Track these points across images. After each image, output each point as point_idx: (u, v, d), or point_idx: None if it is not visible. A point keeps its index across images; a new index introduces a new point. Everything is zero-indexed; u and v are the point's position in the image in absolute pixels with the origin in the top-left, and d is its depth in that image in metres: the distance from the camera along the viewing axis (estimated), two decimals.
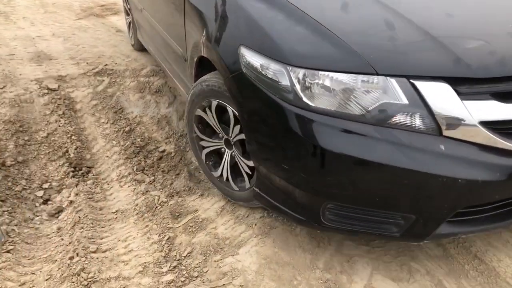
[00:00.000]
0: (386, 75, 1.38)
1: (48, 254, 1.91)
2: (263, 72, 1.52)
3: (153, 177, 2.50)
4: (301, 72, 1.44)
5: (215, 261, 1.64)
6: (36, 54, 3.96)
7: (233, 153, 1.94)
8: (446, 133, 1.38)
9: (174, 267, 1.65)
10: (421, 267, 1.62)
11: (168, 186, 2.38)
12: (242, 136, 1.77)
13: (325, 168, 1.45)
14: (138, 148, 2.80)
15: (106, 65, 3.70)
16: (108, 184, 2.53)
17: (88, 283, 1.61)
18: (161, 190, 2.34)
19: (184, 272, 1.61)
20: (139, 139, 2.88)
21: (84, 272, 1.64)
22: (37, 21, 5.09)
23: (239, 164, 1.91)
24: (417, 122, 1.38)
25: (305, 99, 1.44)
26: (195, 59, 2.07)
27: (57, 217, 2.27)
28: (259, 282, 1.52)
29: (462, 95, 1.37)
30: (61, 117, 3.04)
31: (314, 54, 1.48)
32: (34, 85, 3.31)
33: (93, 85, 3.42)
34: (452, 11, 1.67)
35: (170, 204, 2.15)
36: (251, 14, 1.66)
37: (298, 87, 1.46)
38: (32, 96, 3.18)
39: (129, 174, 2.57)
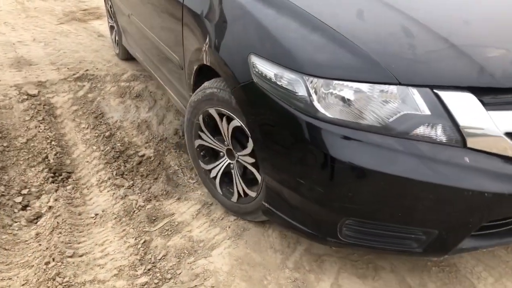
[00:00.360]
0: (408, 85, 1.34)
1: (25, 259, 1.93)
2: (278, 82, 1.46)
3: (132, 182, 2.53)
4: (319, 82, 1.39)
5: (188, 263, 1.69)
6: (16, 59, 3.96)
7: (237, 159, 1.88)
8: (470, 144, 1.34)
9: (149, 269, 1.69)
10: (387, 265, 1.69)
11: (146, 191, 2.41)
12: (234, 124, 1.75)
13: (344, 182, 1.40)
14: (118, 153, 2.83)
15: (87, 70, 3.72)
16: (88, 189, 2.56)
17: None
18: (139, 194, 2.38)
19: (158, 275, 1.65)
20: (119, 144, 2.91)
21: (60, 277, 1.68)
22: (18, 26, 5.07)
23: (245, 164, 1.84)
24: (441, 133, 1.34)
25: (322, 110, 1.39)
26: (195, 68, 2.00)
27: (36, 223, 2.29)
28: (230, 282, 1.57)
29: (487, 106, 1.33)
30: (41, 123, 3.05)
31: (333, 63, 1.42)
32: (14, 91, 3.32)
33: (73, 91, 3.43)
34: (469, 18, 1.63)
35: (148, 208, 2.19)
36: (262, 21, 1.58)
37: (315, 97, 1.40)
38: (11, 102, 3.19)
39: (109, 179, 2.60)
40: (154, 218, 2.08)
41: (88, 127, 3.10)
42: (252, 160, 1.75)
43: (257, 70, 1.51)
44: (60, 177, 2.63)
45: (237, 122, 1.72)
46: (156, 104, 3.28)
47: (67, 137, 2.99)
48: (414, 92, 1.32)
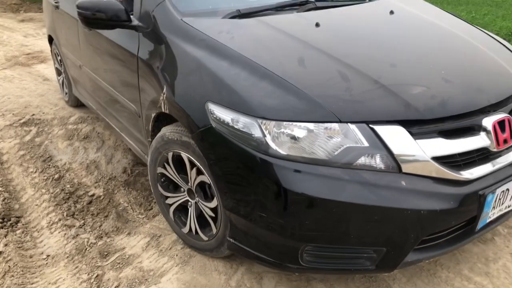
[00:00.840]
0: (348, 122, 1.52)
1: None
2: (234, 126, 1.60)
3: (83, 221, 2.63)
4: (271, 124, 1.54)
5: None
6: None
7: (196, 201, 1.99)
8: (405, 170, 1.52)
9: None
10: (317, 276, 1.91)
11: (97, 228, 2.52)
12: (201, 178, 1.86)
13: (300, 212, 1.52)
14: (68, 194, 2.91)
15: (33, 115, 3.79)
16: (38, 232, 2.62)
17: None
18: (90, 232, 2.48)
19: None
20: (68, 186, 2.99)
21: None
22: None
23: (203, 211, 1.96)
24: (379, 162, 1.52)
25: (276, 148, 1.53)
26: (153, 115, 2.12)
27: None
28: None
29: (415, 135, 1.53)
30: None
31: (282, 106, 1.57)
32: None
33: (20, 136, 3.49)
34: (395, 62, 1.83)
35: (99, 245, 2.30)
36: (215, 72, 1.74)
37: (268, 137, 1.55)
38: None
39: (59, 220, 2.67)
40: (106, 253, 2.20)
41: (36, 171, 3.16)
42: (211, 213, 1.88)
43: (215, 116, 1.65)
44: (9, 222, 2.67)
45: (201, 169, 1.83)
46: (104, 145, 3.40)
47: (15, 182, 3.04)
48: (353, 128, 1.51)
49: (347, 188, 1.48)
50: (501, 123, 1.66)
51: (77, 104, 3.88)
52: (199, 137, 1.73)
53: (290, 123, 1.53)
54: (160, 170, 2.13)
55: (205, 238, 1.95)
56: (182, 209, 2.12)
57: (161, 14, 2.11)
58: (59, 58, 3.92)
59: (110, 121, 3.01)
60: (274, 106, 1.57)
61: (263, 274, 1.90)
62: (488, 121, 1.64)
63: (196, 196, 1.97)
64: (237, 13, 2.08)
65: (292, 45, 1.87)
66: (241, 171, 1.62)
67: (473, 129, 1.64)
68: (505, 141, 1.66)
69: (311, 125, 1.52)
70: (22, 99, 4.19)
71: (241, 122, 1.58)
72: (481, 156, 1.64)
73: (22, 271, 2.21)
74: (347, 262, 1.62)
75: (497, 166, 1.66)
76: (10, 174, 3.11)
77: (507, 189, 1.67)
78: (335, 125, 1.51)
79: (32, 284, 2.07)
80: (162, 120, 2.09)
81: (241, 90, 1.64)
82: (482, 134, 1.63)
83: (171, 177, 2.09)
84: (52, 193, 2.92)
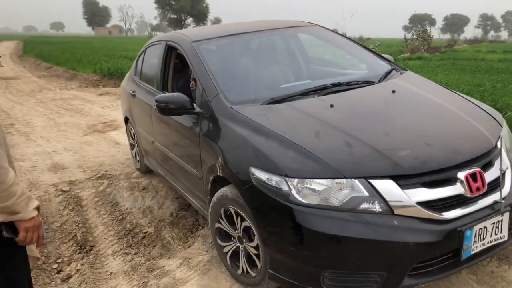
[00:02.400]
0: (352, 178, 1.96)
1: None
2: (269, 183, 2.08)
3: (137, 250, 3.49)
4: (295, 181, 2.01)
5: None
6: (52, 165, 5.15)
7: (244, 246, 2.42)
8: (396, 212, 1.93)
9: None
10: None
11: (147, 254, 3.37)
12: (245, 224, 2.32)
13: (319, 245, 1.95)
14: (128, 231, 3.81)
15: (106, 171, 4.86)
16: (105, 258, 3.50)
17: None
18: (142, 257, 3.33)
19: None
20: (128, 225, 3.91)
21: None
22: (52, 138, 6.38)
23: (249, 251, 2.37)
24: (376, 207, 1.93)
25: (300, 198, 1.99)
26: (211, 178, 2.62)
27: (67, 281, 3.22)
28: None
29: (402, 186, 1.95)
30: (71, 211, 4.10)
31: (302, 168, 2.05)
32: (52, 188, 4.43)
33: (95, 187, 4.54)
34: (388, 132, 2.28)
35: (147, 264, 3.13)
36: (255, 145, 2.26)
37: (294, 191, 2.00)
38: (50, 197, 4.28)
39: (120, 249, 3.55)
40: (151, 269, 3.03)
41: (106, 213, 4.13)
42: (254, 251, 2.32)
43: (255, 176, 2.15)
44: (85, 249, 3.60)
45: (244, 217, 2.30)
46: (158, 194, 4.33)
47: (90, 220, 4.01)
48: (356, 182, 1.95)
49: (352, 226, 1.92)
50: (474, 176, 2.03)
51: (147, 171, 4.57)
52: (245, 192, 2.22)
53: (310, 180, 2.00)
54: (217, 225, 2.63)
55: (254, 274, 2.38)
56: (235, 255, 2.55)
57: (216, 103, 2.65)
58: (133, 133, 4.61)
59: (176, 184, 3.57)
60: (297, 167, 2.05)
61: None
62: (462, 174, 2.02)
63: (243, 240, 2.42)
64: (271, 100, 2.60)
65: (311, 122, 2.37)
66: (274, 216, 2.09)
67: (450, 180, 2.03)
68: (478, 189, 2.03)
69: (325, 181, 1.98)
70: (98, 159, 5.32)
71: (274, 180, 2.07)
72: (459, 200, 2.02)
73: (93, 281, 3.08)
74: (358, 285, 2.00)
75: (473, 208, 2.02)
76: (87, 215, 4.10)
77: (485, 227, 2.02)
78: (343, 180, 1.96)
79: (100, 287, 2.92)
80: (218, 182, 2.59)
81: (273, 157, 2.15)
82: (458, 184, 2.02)
83: (225, 228, 2.58)
84: (116, 230, 3.84)
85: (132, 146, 4.86)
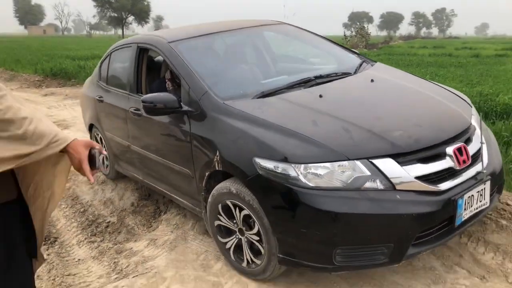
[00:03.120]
0: (354, 159, 2.09)
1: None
2: (276, 170, 2.16)
3: (102, 238, 3.67)
4: (301, 166, 2.11)
5: (142, 266, 2.87)
6: None
7: (246, 236, 2.48)
8: (398, 187, 2.07)
9: (118, 273, 2.85)
10: None
11: (113, 240, 3.57)
12: (244, 213, 2.39)
13: (330, 223, 2.05)
14: (91, 221, 3.97)
15: None
16: (70, 247, 3.64)
17: None
18: (108, 242, 3.53)
19: (124, 273, 2.81)
20: (91, 216, 4.06)
21: (64, 283, 2.79)
22: None
23: (251, 239, 2.44)
24: (379, 184, 2.07)
25: (307, 182, 2.09)
26: (206, 174, 2.64)
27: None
28: (166, 268, 2.77)
29: (401, 163, 2.10)
30: None
31: (307, 153, 2.15)
32: None
33: None
34: (381, 116, 2.45)
35: (115, 248, 3.34)
36: (256, 136, 2.32)
37: (301, 175, 2.10)
38: None
39: (85, 239, 3.71)
40: (120, 251, 3.24)
41: (67, 206, 4.25)
42: (256, 237, 2.39)
43: (260, 166, 2.22)
44: (49, 241, 3.72)
45: (246, 211, 2.37)
46: (117, 187, 4.50)
47: (52, 214, 4.10)
48: (359, 163, 2.09)
49: (359, 203, 2.05)
50: (459, 150, 2.25)
51: (117, 176, 4.49)
52: (250, 182, 2.29)
53: (314, 164, 2.11)
54: (216, 223, 2.66)
55: (259, 262, 2.43)
56: (238, 249, 2.61)
57: (206, 100, 2.68)
58: (100, 140, 4.46)
59: (158, 186, 3.50)
60: (302, 154, 2.16)
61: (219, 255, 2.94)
62: (450, 149, 2.23)
63: (244, 231, 2.49)
64: (261, 94, 2.70)
65: (306, 112, 2.47)
66: (284, 201, 2.17)
67: (440, 156, 2.23)
68: (464, 161, 2.26)
69: (328, 164, 2.10)
70: None
71: (280, 167, 2.16)
72: (449, 173, 2.22)
73: (62, 267, 3.24)
74: (368, 258, 2.12)
75: (462, 179, 2.23)
76: None
77: (472, 195, 2.25)
78: (345, 163, 2.10)
79: (70, 272, 3.10)
80: (213, 177, 2.66)
81: (277, 146, 2.23)
82: (448, 158, 2.22)
83: (225, 224, 2.62)
84: (79, 221, 3.98)
85: (102, 159, 4.78)
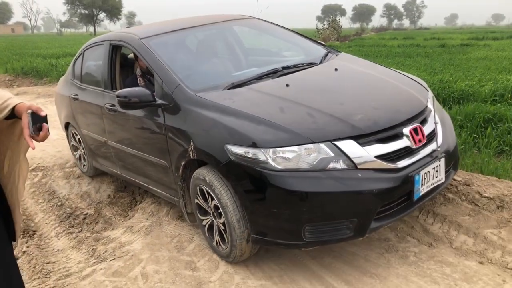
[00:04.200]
0: (318, 142, 2.23)
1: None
2: (246, 156, 2.29)
3: (80, 229, 3.81)
4: (269, 151, 2.24)
5: (120, 250, 3.04)
6: None
7: (216, 219, 2.64)
8: (359, 166, 2.23)
9: (96, 258, 3.01)
10: None
11: (91, 230, 3.71)
12: (214, 203, 2.54)
13: (299, 202, 2.18)
14: (68, 214, 4.10)
15: (38, 163, 5.02)
16: (49, 239, 3.76)
17: (46, 275, 2.90)
18: (86, 232, 3.67)
19: (102, 258, 2.98)
20: (68, 209, 4.18)
21: (46, 276, 2.93)
22: None
23: (220, 228, 2.62)
24: (342, 164, 2.21)
25: (275, 165, 2.22)
26: (182, 164, 2.74)
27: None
28: (141, 251, 2.95)
29: (362, 144, 2.25)
30: None
31: (275, 138, 2.28)
32: None
33: (30, 178, 4.70)
34: (341, 101, 2.62)
35: (93, 236, 3.49)
36: (228, 125, 2.44)
37: (270, 159, 2.22)
38: None
39: (63, 231, 3.84)
40: (98, 239, 3.40)
41: (44, 201, 4.36)
42: (223, 227, 2.57)
43: (232, 152, 2.35)
44: (28, 234, 3.83)
45: (215, 201, 2.52)
46: (93, 180, 4.63)
47: (30, 209, 4.21)
48: (323, 145, 2.23)
49: (324, 182, 2.19)
50: (415, 130, 2.41)
51: (95, 173, 4.53)
52: (223, 168, 2.42)
53: (281, 148, 2.24)
54: (196, 201, 2.83)
55: (224, 247, 2.65)
56: (211, 228, 2.78)
57: (179, 93, 2.79)
58: (77, 138, 4.55)
59: (136, 179, 3.62)
60: (270, 139, 2.29)
61: (194, 236, 3.13)
62: (406, 130, 2.39)
63: (215, 216, 2.65)
64: (232, 85, 2.82)
65: (273, 100, 2.61)
66: (255, 184, 2.30)
67: (398, 136, 2.38)
68: (420, 141, 2.42)
69: (295, 148, 2.24)
70: (28, 154, 5.41)
71: (251, 152, 2.29)
72: (406, 152, 2.38)
73: (42, 256, 3.38)
74: (334, 233, 2.27)
75: (418, 157, 2.40)
76: (25, 204, 4.29)
77: (428, 172, 2.41)
78: (311, 146, 2.24)
79: (50, 260, 3.24)
80: (187, 167, 2.79)
81: (247, 132, 2.35)
82: (405, 138, 2.38)
83: (201, 204, 2.80)
84: (56, 215, 4.10)
85: (75, 149, 4.75)
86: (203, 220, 2.82)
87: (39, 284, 2.80)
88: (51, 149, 5.60)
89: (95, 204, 4.20)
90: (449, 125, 2.91)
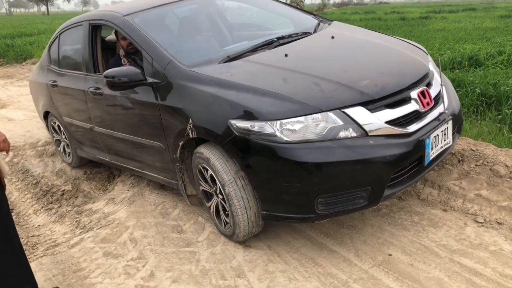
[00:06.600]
0: (327, 111, 2.15)
1: None
2: (252, 129, 2.18)
3: (59, 204, 3.82)
4: (276, 123, 2.15)
5: (105, 219, 3.11)
6: None
7: (219, 197, 2.53)
8: (370, 133, 2.15)
9: (82, 228, 3.07)
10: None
11: (71, 204, 3.74)
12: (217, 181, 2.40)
13: (310, 174, 2.10)
14: (45, 192, 4.09)
15: None
16: (27, 217, 3.76)
17: (33, 246, 2.94)
18: (66, 207, 3.70)
19: (88, 228, 3.04)
20: (44, 187, 4.16)
21: (33, 248, 2.96)
22: None
23: (223, 204, 2.51)
24: (352, 132, 2.14)
25: (283, 137, 2.13)
26: (180, 144, 2.62)
27: None
28: (127, 219, 3.03)
29: (371, 110, 2.18)
30: None
31: (282, 109, 2.18)
32: None
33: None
34: (345, 68, 2.52)
35: (74, 210, 3.53)
36: (229, 99, 2.32)
37: (277, 131, 2.13)
38: None
39: (42, 207, 3.84)
40: (80, 212, 3.44)
41: (18, 180, 4.31)
42: (221, 196, 2.47)
43: (236, 126, 2.23)
44: None
45: (215, 175, 2.40)
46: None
47: None
48: (331, 114, 2.15)
49: (336, 152, 2.12)
50: (422, 93, 2.37)
51: (81, 163, 4.30)
52: (227, 145, 2.30)
53: (288, 120, 2.15)
54: (201, 188, 2.72)
55: (229, 223, 2.53)
56: (218, 213, 2.67)
57: (172, 69, 2.64)
58: (58, 126, 4.26)
59: (127, 164, 3.45)
60: (277, 110, 2.19)
61: (178, 203, 3.23)
62: (414, 93, 2.34)
63: (215, 195, 2.57)
64: (227, 58, 2.68)
65: (274, 71, 2.50)
66: (263, 158, 2.20)
67: (405, 100, 2.33)
68: (428, 104, 2.38)
69: (302, 119, 2.15)
70: None
71: (257, 125, 2.19)
72: (415, 116, 2.33)
73: (24, 232, 3.39)
74: (348, 203, 2.20)
75: (427, 121, 2.36)
76: None
77: (437, 135, 2.38)
78: (318, 115, 2.15)
79: (34, 234, 3.26)
80: (186, 147, 2.68)
81: (251, 105, 2.25)
82: (413, 102, 2.33)
83: (204, 188, 2.68)
84: (33, 192, 4.08)
85: (58, 142, 4.48)
86: (210, 206, 2.73)
87: (28, 255, 2.83)
88: (20, 129, 5.48)
89: (72, 181, 4.20)
90: (451, 87, 2.89)
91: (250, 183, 2.33)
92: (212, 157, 2.41)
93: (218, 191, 2.52)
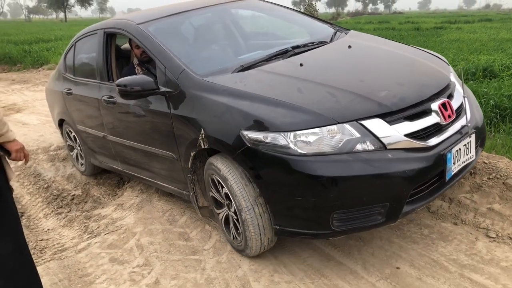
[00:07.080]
0: (343, 122, 2.05)
1: None
2: (265, 141, 2.11)
3: (69, 209, 3.86)
4: (291, 134, 2.06)
5: (113, 225, 3.12)
6: None
7: (231, 211, 2.47)
8: (389, 147, 2.06)
9: (89, 233, 3.09)
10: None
11: (81, 209, 3.77)
12: (225, 191, 2.37)
13: (326, 188, 2.00)
14: (56, 196, 4.13)
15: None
16: (38, 220, 3.80)
17: (41, 250, 2.96)
18: (76, 212, 3.73)
19: (95, 233, 3.06)
20: (55, 191, 4.21)
21: (41, 252, 2.99)
22: None
23: (232, 218, 2.47)
24: (370, 145, 2.04)
25: (297, 149, 2.05)
26: (192, 154, 2.57)
27: None
28: (134, 225, 3.04)
29: (389, 122, 2.09)
30: None
31: (296, 121, 2.10)
32: None
33: (14, 162, 4.68)
34: (363, 79, 2.43)
35: (83, 215, 3.56)
36: (242, 109, 2.25)
37: (290, 143, 2.05)
38: None
39: (52, 212, 3.88)
40: (89, 217, 3.46)
41: (29, 184, 4.37)
42: (235, 217, 2.42)
43: (248, 138, 2.16)
44: None
45: (227, 187, 2.33)
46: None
47: (16, 191, 4.22)
48: (347, 126, 2.05)
49: (352, 165, 2.02)
50: (444, 105, 2.27)
51: (94, 172, 4.27)
52: (239, 156, 2.23)
53: (302, 131, 2.07)
54: (210, 194, 2.67)
55: (239, 239, 2.49)
56: (227, 222, 2.62)
57: (185, 79, 2.60)
58: (72, 135, 4.27)
59: (140, 174, 3.39)
60: (291, 121, 2.11)
61: (185, 210, 3.23)
62: (435, 105, 2.24)
63: (228, 209, 2.51)
64: (241, 68, 2.64)
65: (289, 81, 2.43)
66: (276, 170, 2.12)
67: (426, 112, 2.23)
68: (449, 116, 2.28)
69: (317, 130, 2.06)
70: None
71: (270, 137, 2.10)
72: (436, 129, 2.23)
73: (33, 235, 3.42)
74: (365, 220, 2.09)
75: (448, 134, 2.25)
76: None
77: (459, 149, 2.27)
78: (334, 127, 2.06)
79: (43, 238, 3.29)
80: (198, 157, 2.63)
81: (264, 116, 2.17)
82: (433, 114, 2.23)
83: (215, 196, 2.62)
84: (43, 196, 4.13)
85: (71, 149, 4.48)
86: (219, 213, 2.68)
87: (35, 259, 2.86)
88: (33, 134, 5.56)
89: (82, 185, 4.24)
90: (473, 99, 2.80)
91: (262, 196, 2.26)
92: (230, 178, 2.32)
93: (232, 210, 2.47)
